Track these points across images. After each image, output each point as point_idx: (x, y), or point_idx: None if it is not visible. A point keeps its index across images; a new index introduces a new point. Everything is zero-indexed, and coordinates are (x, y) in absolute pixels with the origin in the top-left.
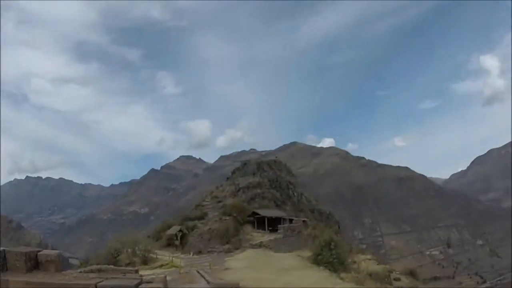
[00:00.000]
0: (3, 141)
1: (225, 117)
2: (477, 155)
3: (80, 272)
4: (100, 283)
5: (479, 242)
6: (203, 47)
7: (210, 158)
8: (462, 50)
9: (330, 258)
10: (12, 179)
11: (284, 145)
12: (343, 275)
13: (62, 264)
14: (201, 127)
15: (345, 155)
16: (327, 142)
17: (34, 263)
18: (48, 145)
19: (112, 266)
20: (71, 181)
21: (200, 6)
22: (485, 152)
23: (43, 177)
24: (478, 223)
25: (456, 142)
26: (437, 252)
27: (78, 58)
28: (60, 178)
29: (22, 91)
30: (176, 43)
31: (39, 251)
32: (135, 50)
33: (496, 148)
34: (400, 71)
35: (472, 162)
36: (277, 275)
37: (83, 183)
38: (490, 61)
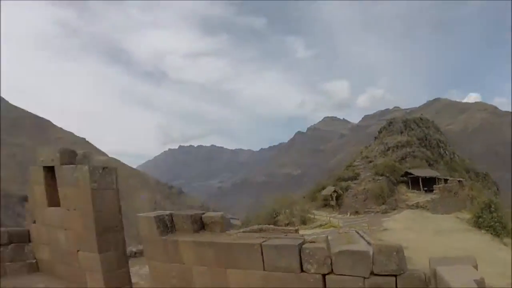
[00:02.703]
0: (150, 115)
1: (362, 77)
2: None
3: (244, 231)
4: (265, 242)
5: None
6: (327, 9)
7: (354, 118)
8: None
9: (491, 222)
10: (166, 149)
11: (428, 101)
12: (506, 240)
13: (225, 224)
14: (340, 87)
15: (494, 110)
16: (472, 98)
17: (200, 225)
18: (194, 116)
19: (272, 226)
20: (222, 147)
21: None
22: None
23: (195, 146)
24: None
25: None
26: None
27: (207, 32)
28: (212, 145)
29: (159, 69)
30: (299, 8)
31: (203, 213)
32: (261, 19)
33: None
34: None
35: None
36: (436, 237)
37: (233, 148)
38: None
